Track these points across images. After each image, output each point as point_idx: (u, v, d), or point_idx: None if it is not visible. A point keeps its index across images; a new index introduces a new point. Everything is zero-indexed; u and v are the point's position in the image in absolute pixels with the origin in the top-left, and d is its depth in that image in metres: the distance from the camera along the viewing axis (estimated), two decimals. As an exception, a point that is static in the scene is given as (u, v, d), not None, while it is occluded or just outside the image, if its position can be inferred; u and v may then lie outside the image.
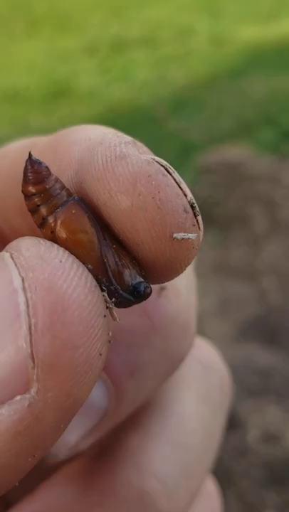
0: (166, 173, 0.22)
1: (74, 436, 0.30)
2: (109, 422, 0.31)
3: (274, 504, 1.43)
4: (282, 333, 1.88)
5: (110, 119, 3.34)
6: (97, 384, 0.29)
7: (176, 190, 0.22)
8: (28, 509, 0.32)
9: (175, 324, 0.30)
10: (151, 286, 0.24)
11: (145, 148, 0.25)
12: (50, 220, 0.23)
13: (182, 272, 0.24)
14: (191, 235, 0.22)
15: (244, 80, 3.69)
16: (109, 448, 0.32)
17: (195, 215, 0.22)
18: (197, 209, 0.22)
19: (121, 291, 0.23)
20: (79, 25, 5.29)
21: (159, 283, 0.24)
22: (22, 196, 0.25)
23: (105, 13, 5.52)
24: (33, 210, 0.24)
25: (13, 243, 0.23)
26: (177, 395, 0.34)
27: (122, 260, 0.23)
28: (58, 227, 0.23)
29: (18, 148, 0.31)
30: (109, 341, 0.22)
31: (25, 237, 0.23)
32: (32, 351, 0.20)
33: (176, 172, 0.23)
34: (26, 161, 0.24)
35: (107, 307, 0.22)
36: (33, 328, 0.20)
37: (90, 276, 0.22)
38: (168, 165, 0.23)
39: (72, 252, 0.22)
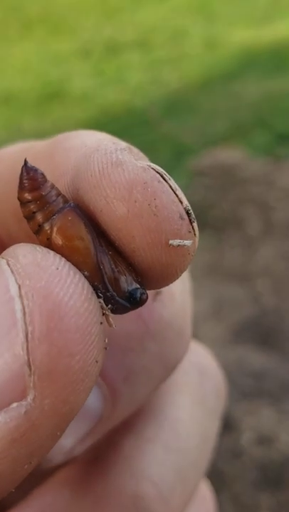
0: (161, 179, 0.22)
1: (69, 441, 0.30)
2: (104, 427, 0.31)
3: (268, 506, 1.43)
4: (276, 335, 1.88)
5: (104, 121, 3.34)
6: (92, 389, 0.29)
7: (171, 197, 0.22)
8: None
9: (170, 329, 0.30)
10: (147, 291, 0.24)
11: (141, 155, 0.25)
12: (46, 226, 0.23)
13: (178, 278, 0.24)
14: (187, 242, 0.22)
15: (238, 82, 3.70)
16: (104, 452, 0.32)
17: (191, 222, 0.23)
18: (193, 216, 0.23)
19: (117, 298, 0.23)
20: (73, 28, 5.29)
21: (154, 289, 0.24)
22: (17, 202, 0.25)
23: (99, 16, 5.53)
24: (29, 217, 0.24)
25: (10, 250, 0.23)
26: (172, 399, 0.34)
27: (118, 267, 0.23)
28: (54, 234, 0.23)
29: (14, 154, 0.31)
30: (106, 348, 0.22)
31: (22, 243, 0.23)
32: (29, 359, 0.20)
33: (171, 179, 0.23)
34: (22, 168, 0.24)
35: (103, 314, 0.22)
36: (29, 335, 0.20)
37: (87, 283, 0.22)
38: (164, 172, 0.23)
39: (68, 259, 0.22)
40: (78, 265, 0.22)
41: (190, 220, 0.23)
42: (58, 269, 0.21)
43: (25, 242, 0.23)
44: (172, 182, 0.23)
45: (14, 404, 0.20)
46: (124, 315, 0.24)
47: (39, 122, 3.56)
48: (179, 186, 0.23)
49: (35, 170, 0.24)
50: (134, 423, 0.33)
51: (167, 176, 0.23)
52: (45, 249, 0.22)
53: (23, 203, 0.24)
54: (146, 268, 0.23)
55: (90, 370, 0.21)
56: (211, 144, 2.97)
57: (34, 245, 0.22)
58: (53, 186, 0.24)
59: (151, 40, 4.70)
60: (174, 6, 5.46)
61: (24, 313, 0.21)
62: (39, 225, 0.23)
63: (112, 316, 0.23)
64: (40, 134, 0.32)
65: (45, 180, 0.24)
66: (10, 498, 0.30)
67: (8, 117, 3.69)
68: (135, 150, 0.24)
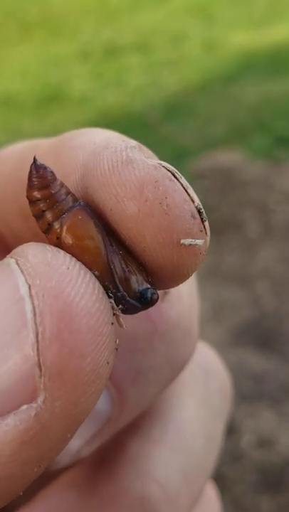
0: (173, 178, 0.22)
1: (76, 442, 0.30)
2: (111, 428, 0.31)
3: (269, 509, 1.42)
4: (276, 338, 1.88)
5: (103, 124, 3.34)
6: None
7: (183, 196, 0.22)
8: None
9: (178, 329, 0.30)
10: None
11: (151, 153, 0.24)
12: (56, 225, 0.23)
13: (188, 278, 0.23)
14: (199, 241, 0.22)
15: (237, 85, 3.71)
16: (111, 454, 0.32)
17: (202, 221, 0.22)
18: (204, 215, 0.22)
19: (128, 298, 0.22)
20: (72, 31, 5.30)
21: (165, 289, 0.24)
22: (24, 201, 0.24)
23: (98, 19, 5.54)
24: (38, 216, 0.23)
25: (19, 249, 0.22)
26: (178, 400, 0.34)
27: (129, 266, 0.23)
28: (63, 233, 0.23)
29: (19, 152, 0.30)
30: (116, 349, 0.22)
31: (31, 243, 0.22)
32: (39, 360, 0.20)
33: (183, 177, 0.22)
34: (31, 166, 0.23)
35: (113, 314, 0.22)
36: (40, 336, 0.20)
37: (98, 283, 0.22)
38: (175, 170, 0.22)
39: (78, 259, 0.22)
40: (88, 265, 0.22)
41: (202, 219, 0.22)
42: (68, 268, 0.21)
43: (31, 241, 0.23)
44: (183, 180, 0.22)
45: (24, 407, 0.20)
46: (132, 315, 0.24)
47: (38, 125, 3.56)
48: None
49: (45, 168, 0.23)
50: (140, 424, 0.33)
51: (178, 174, 0.22)
52: (55, 249, 0.22)
53: (32, 201, 0.23)
54: (157, 268, 0.23)
55: (101, 372, 0.21)
56: (211, 146, 2.97)
57: (44, 244, 0.22)
58: (62, 184, 0.24)
59: (150, 43, 4.70)
60: (174, 9, 5.47)
61: (34, 314, 0.20)
62: (48, 224, 0.23)
63: (122, 317, 0.23)
64: (40, 137, 0.32)
65: (55, 179, 0.23)
66: (16, 500, 0.30)
67: (8, 120, 3.69)
68: (145, 148, 0.24)
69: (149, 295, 0.23)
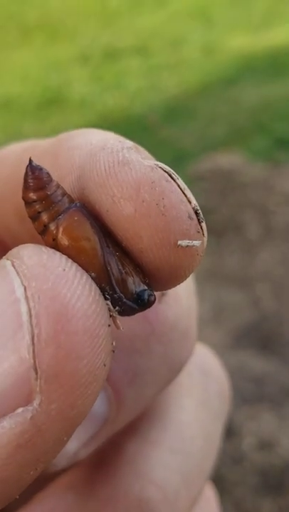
0: (169, 179, 0.22)
1: (73, 445, 0.30)
2: (108, 430, 0.30)
3: (270, 511, 1.42)
4: (277, 340, 1.88)
5: (103, 127, 3.31)
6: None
7: (180, 197, 0.22)
8: None
9: (175, 330, 0.30)
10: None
11: (147, 154, 0.24)
12: (52, 227, 0.23)
13: (186, 279, 0.23)
14: (196, 242, 0.22)
15: (236, 88, 3.71)
16: (108, 455, 0.32)
17: (199, 222, 0.22)
18: (201, 216, 0.22)
19: (125, 300, 0.22)
20: (71, 34, 5.31)
21: (162, 290, 0.24)
22: (21, 201, 0.24)
23: (98, 22, 5.55)
24: (34, 217, 0.23)
25: (14, 251, 0.22)
26: (176, 401, 0.34)
27: (126, 268, 0.23)
28: (59, 235, 0.23)
29: (17, 153, 0.30)
30: (113, 351, 0.22)
31: (27, 244, 0.22)
32: (35, 362, 0.20)
33: (179, 178, 0.22)
34: (27, 167, 0.23)
35: (110, 316, 0.22)
36: (36, 338, 0.20)
37: (94, 284, 0.21)
38: (171, 171, 0.22)
39: (74, 260, 0.22)
40: (85, 266, 0.22)
41: (198, 220, 0.22)
42: (64, 270, 0.21)
43: (28, 242, 0.23)
44: (180, 181, 0.22)
45: (20, 410, 0.20)
46: (130, 317, 0.24)
47: (38, 128, 3.57)
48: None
49: (41, 169, 0.23)
50: (138, 426, 0.33)
51: (175, 175, 0.22)
52: (51, 250, 0.22)
53: (28, 202, 0.23)
54: (154, 269, 0.23)
55: (98, 374, 0.21)
56: (211, 148, 2.98)
57: (40, 246, 0.22)
58: (58, 186, 0.23)
59: (150, 46, 4.71)
60: (173, 13, 5.48)
61: (30, 316, 0.20)
62: (44, 226, 0.23)
63: (119, 318, 0.23)
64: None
65: (51, 180, 0.23)
66: (13, 503, 0.30)
67: (8, 123, 3.70)
68: (141, 149, 0.24)
69: (146, 296, 0.23)
